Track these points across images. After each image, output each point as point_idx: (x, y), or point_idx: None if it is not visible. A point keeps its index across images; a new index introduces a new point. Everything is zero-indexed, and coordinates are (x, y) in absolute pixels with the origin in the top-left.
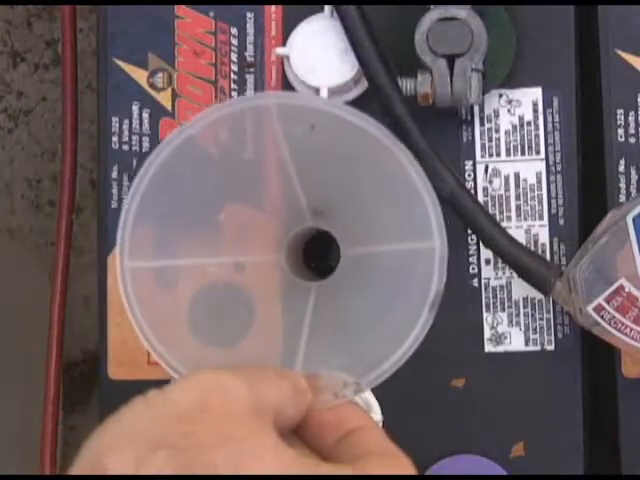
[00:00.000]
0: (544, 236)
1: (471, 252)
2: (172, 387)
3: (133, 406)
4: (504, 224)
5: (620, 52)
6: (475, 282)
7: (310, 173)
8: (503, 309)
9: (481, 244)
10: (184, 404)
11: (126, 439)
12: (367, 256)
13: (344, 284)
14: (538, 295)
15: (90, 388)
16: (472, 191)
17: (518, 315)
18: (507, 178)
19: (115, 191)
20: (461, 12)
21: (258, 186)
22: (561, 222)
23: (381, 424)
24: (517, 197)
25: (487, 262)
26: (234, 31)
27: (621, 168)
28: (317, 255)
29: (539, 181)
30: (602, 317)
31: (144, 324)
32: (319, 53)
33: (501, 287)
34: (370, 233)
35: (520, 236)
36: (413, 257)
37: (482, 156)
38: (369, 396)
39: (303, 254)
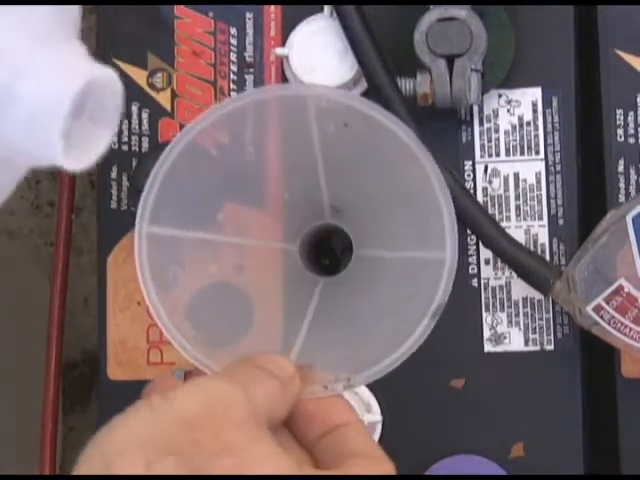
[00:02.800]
0: (543, 236)
1: (470, 252)
2: (175, 394)
3: (138, 410)
4: (504, 224)
5: (620, 52)
6: (475, 282)
7: (336, 171)
8: (502, 309)
9: (480, 244)
10: (189, 411)
11: (135, 444)
12: (378, 260)
13: (351, 283)
14: (538, 295)
15: (90, 388)
16: (471, 191)
17: (517, 315)
18: (506, 178)
19: (114, 191)
20: (461, 12)
21: (287, 177)
22: (560, 222)
23: (381, 424)
24: (516, 197)
25: (487, 262)
26: (233, 31)
27: (620, 168)
28: (332, 255)
29: (538, 181)
30: (601, 317)
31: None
32: (318, 53)
33: (500, 287)
34: (384, 237)
35: (519, 236)
36: (423, 266)
37: (481, 156)
38: (369, 396)
39: (317, 251)
